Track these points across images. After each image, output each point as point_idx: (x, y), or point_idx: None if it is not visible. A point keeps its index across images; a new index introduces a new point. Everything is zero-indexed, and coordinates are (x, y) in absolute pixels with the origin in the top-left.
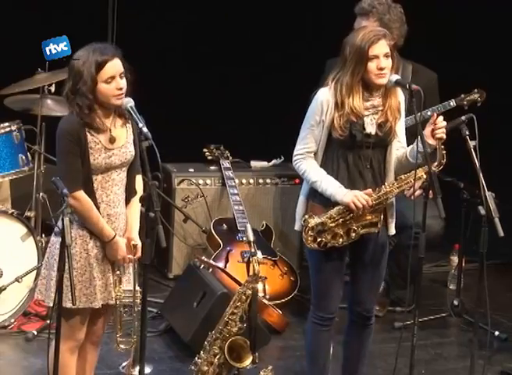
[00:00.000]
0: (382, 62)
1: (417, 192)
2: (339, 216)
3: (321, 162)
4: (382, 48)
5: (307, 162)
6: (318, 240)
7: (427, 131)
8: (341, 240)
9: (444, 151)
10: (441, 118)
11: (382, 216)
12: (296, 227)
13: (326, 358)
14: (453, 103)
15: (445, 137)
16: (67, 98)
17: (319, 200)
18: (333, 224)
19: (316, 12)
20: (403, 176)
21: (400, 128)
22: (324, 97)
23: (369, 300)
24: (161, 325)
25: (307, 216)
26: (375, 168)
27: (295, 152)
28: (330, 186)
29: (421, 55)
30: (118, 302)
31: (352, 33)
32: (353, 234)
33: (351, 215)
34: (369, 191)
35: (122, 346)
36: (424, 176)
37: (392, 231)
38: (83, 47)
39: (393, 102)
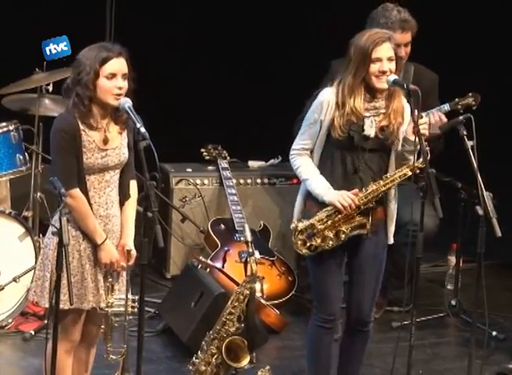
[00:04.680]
0: (384, 65)
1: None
2: (327, 217)
3: (319, 161)
4: (386, 51)
5: (301, 159)
6: (308, 244)
7: (408, 128)
8: (331, 242)
9: (428, 148)
10: (421, 114)
11: (370, 218)
12: (292, 226)
13: (328, 361)
14: (447, 107)
15: (427, 133)
16: (67, 88)
17: (314, 198)
18: (322, 226)
19: (320, 12)
20: (388, 175)
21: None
22: (326, 97)
23: (366, 304)
24: (159, 325)
25: (295, 221)
26: (374, 171)
27: (292, 147)
28: (319, 186)
29: (422, 57)
30: (109, 311)
31: (358, 34)
32: (343, 236)
33: (339, 216)
34: (356, 190)
35: (112, 356)
36: (409, 173)
37: (391, 240)
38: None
39: (397, 106)
